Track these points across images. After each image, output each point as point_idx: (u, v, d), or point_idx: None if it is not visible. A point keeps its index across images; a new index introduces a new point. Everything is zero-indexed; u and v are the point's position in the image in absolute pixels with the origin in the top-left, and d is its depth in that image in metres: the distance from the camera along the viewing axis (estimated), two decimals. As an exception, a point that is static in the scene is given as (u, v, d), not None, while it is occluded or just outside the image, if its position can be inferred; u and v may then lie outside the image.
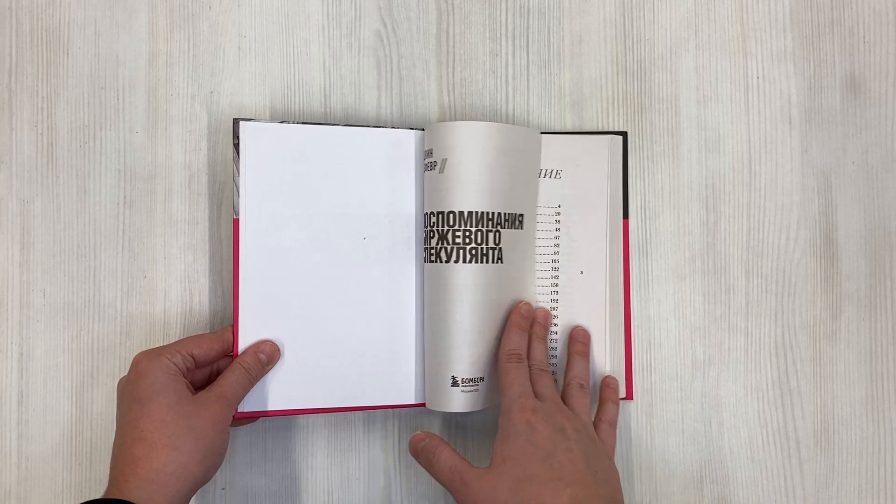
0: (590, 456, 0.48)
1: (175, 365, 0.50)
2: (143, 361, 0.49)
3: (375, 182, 0.56)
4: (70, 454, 0.57)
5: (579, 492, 0.45)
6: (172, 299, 0.58)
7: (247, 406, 0.53)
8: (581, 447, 0.48)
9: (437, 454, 0.50)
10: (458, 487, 0.48)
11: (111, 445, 0.56)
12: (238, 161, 0.54)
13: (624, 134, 0.59)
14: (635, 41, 0.62)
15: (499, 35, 0.61)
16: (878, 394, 0.60)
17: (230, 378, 0.51)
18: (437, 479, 0.50)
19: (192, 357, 0.51)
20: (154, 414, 0.47)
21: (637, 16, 0.62)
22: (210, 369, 0.54)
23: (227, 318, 0.58)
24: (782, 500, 0.59)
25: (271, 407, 0.54)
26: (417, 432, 0.52)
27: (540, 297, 0.58)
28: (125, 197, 0.58)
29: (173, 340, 0.57)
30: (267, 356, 0.53)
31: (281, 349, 0.54)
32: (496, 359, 0.54)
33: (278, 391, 0.54)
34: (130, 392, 0.49)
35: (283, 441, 0.58)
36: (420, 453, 0.51)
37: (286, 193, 0.55)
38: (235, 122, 0.54)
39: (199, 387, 0.51)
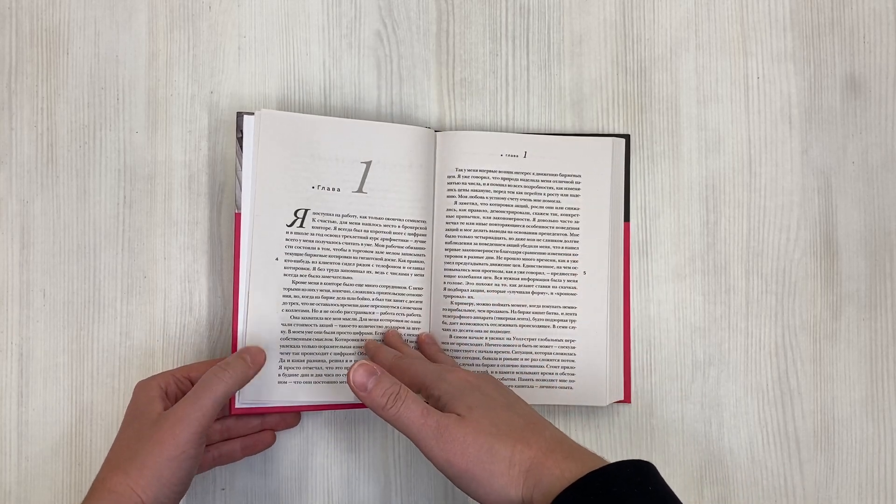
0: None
1: (161, 388, 0.50)
2: (136, 387, 0.51)
3: (380, 176, 0.56)
4: (70, 454, 0.57)
5: (553, 432, 0.46)
6: (172, 299, 0.58)
7: (248, 400, 0.53)
8: (518, 399, 0.49)
9: (405, 400, 0.45)
10: (432, 433, 0.44)
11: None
12: (241, 155, 0.54)
13: (627, 137, 0.59)
14: (635, 41, 0.61)
15: (499, 35, 0.61)
16: (878, 394, 0.60)
17: (190, 396, 0.48)
18: (402, 425, 0.45)
19: (190, 381, 0.51)
20: (121, 435, 0.48)
21: (637, 16, 0.62)
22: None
23: (227, 318, 0.58)
24: (782, 500, 0.59)
25: (275, 402, 0.54)
26: (363, 363, 0.47)
27: (541, 297, 0.57)
28: (125, 197, 0.58)
29: (172, 340, 0.58)
30: (251, 357, 0.51)
31: (267, 352, 0.52)
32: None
33: (280, 387, 0.54)
34: (125, 415, 0.50)
35: (282, 441, 0.58)
36: (384, 401, 0.46)
37: (289, 187, 0.55)
38: (239, 115, 0.55)
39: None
